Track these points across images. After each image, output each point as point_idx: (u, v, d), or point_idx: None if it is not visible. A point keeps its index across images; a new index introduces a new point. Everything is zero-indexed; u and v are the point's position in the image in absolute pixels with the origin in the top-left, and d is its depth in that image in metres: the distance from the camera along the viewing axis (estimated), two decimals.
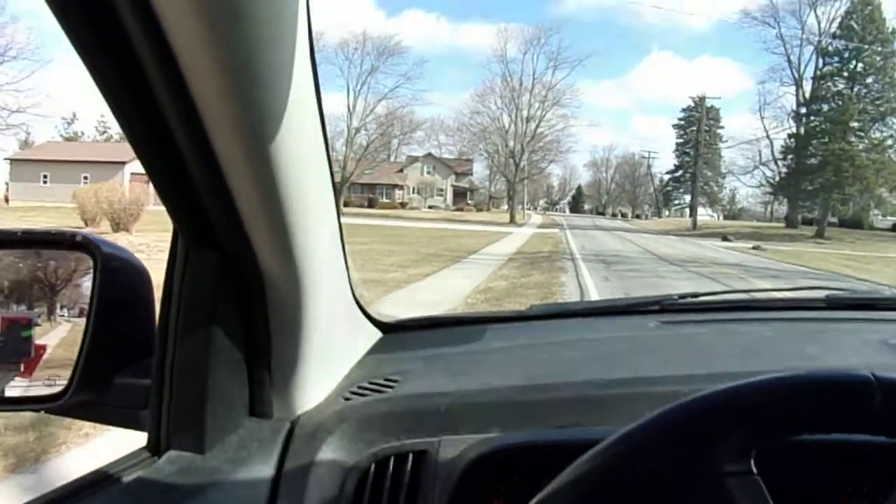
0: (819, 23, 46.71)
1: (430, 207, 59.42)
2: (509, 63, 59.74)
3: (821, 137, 42.78)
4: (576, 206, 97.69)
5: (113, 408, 0.84)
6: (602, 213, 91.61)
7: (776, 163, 50.68)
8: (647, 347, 1.13)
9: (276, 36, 0.58)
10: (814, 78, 45.53)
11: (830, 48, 43.86)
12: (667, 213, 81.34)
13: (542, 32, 60.76)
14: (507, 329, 1.26)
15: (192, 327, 0.77)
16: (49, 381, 0.83)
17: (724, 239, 36.79)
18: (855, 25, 41.59)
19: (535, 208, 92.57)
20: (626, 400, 0.81)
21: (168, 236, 0.80)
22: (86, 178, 32.85)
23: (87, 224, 17.78)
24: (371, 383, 0.94)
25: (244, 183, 0.67)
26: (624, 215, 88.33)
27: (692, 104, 74.46)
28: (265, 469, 0.79)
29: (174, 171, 0.68)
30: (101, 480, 0.72)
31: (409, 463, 0.80)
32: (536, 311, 1.35)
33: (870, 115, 41.72)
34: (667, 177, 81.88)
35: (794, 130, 47.35)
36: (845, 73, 42.32)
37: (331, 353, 0.94)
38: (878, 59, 41.11)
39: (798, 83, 48.71)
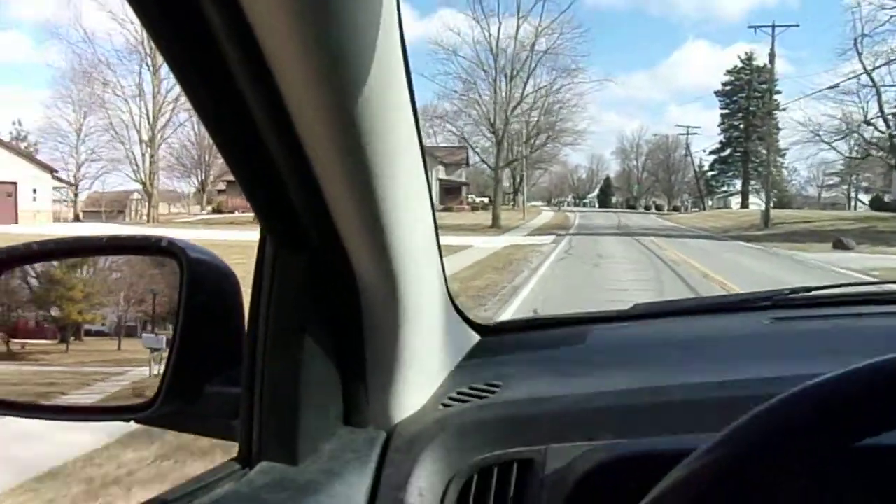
0: None
1: None
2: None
3: None
4: (605, 200, 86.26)
5: (203, 417, 0.82)
6: (633, 207, 78.57)
7: (886, 121, 34.94)
8: (763, 346, 1.06)
9: (366, 24, 0.55)
10: None
11: None
12: (709, 202, 66.63)
13: None
14: (610, 329, 1.21)
15: (282, 333, 0.74)
16: (138, 391, 0.83)
17: (839, 245, 21.45)
18: None
19: (564, 203, 79.90)
20: (744, 402, 0.70)
21: None
22: None
23: None
24: (471, 389, 0.90)
25: (336, 179, 0.65)
26: (659, 208, 76.66)
27: (740, 64, 59.93)
28: (361, 480, 0.76)
29: (261, 170, 0.65)
30: (191, 493, 0.67)
31: (514, 473, 0.76)
32: (641, 310, 1.28)
33: None
34: (710, 158, 68.05)
35: None
36: None
37: (428, 359, 0.91)
38: None
39: None
